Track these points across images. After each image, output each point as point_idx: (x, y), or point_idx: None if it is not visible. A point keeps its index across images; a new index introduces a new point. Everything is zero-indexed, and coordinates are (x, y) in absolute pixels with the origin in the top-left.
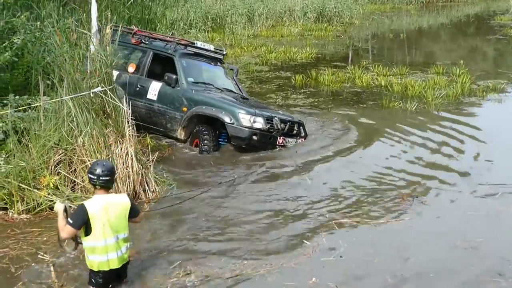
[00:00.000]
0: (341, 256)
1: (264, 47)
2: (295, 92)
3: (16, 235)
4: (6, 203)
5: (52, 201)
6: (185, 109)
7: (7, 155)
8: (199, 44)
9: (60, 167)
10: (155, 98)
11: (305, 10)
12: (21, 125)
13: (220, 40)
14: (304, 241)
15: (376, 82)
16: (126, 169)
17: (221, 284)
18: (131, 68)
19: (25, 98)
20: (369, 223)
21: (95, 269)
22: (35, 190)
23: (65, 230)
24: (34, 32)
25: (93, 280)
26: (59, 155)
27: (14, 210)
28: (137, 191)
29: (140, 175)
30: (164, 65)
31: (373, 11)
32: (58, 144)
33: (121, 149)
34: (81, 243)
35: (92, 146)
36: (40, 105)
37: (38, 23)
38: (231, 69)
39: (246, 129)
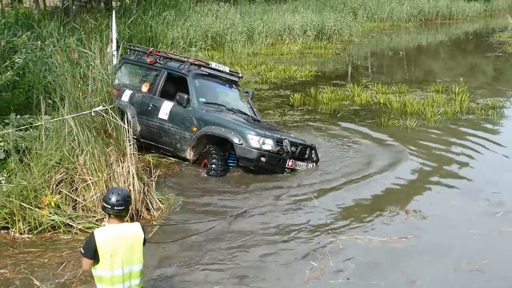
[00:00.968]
0: (348, 279)
1: (263, 65)
2: (292, 109)
3: (16, 255)
4: (7, 222)
5: (54, 220)
6: (194, 129)
7: (8, 174)
8: (213, 65)
9: (62, 186)
10: (166, 117)
11: (304, 28)
12: (23, 144)
13: (220, 58)
14: (312, 262)
15: (375, 99)
16: (128, 187)
17: None
18: (144, 88)
19: (27, 117)
20: (374, 241)
21: None
22: (37, 209)
23: (82, 260)
24: (35, 51)
25: None
26: (61, 174)
27: (15, 229)
28: (139, 209)
29: (142, 193)
30: (178, 85)
31: (372, 28)
32: (59, 163)
33: (123, 167)
34: None
35: (94, 165)
36: (42, 124)
37: (39, 42)
38: (246, 92)
39: (255, 150)
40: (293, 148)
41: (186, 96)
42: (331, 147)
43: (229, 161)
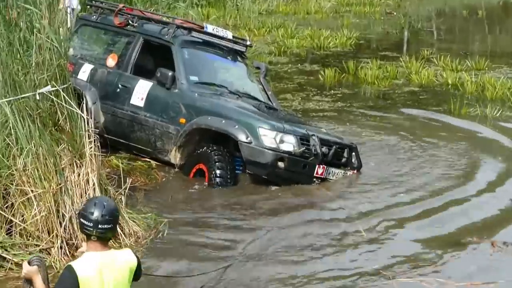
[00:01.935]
0: None
1: (282, 29)
2: (321, 93)
3: None
4: None
5: None
6: (183, 120)
7: None
8: (210, 28)
9: None
10: (141, 103)
11: None
12: None
13: (219, 18)
14: None
15: (441, 79)
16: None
17: None
18: (111, 61)
19: None
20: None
21: None
22: None
23: None
24: None
25: None
26: None
27: None
28: None
29: None
30: (159, 58)
31: None
32: None
33: (79, 174)
34: None
35: (38, 171)
36: None
37: None
38: (257, 68)
39: (269, 151)
40: (324, 149)
41: (170, 73)
42: (379, 147)
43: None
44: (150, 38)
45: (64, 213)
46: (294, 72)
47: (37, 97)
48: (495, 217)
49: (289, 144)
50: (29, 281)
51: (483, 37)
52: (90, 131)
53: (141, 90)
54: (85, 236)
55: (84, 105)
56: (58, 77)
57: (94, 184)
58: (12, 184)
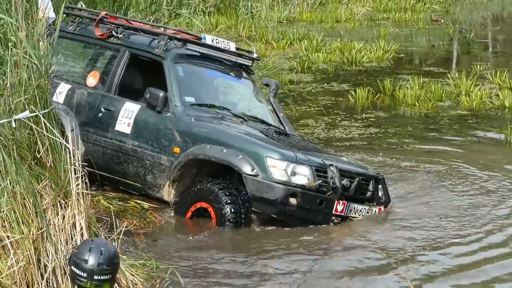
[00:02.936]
0: None
1: (306, 41)
2: (350, 117)
3: None
4: None
5: None
6: (177, 150)
7: None
8: (208, 39)
9: None
10: (128, 130)
11: None
12: None
13: (230, 28)
14: None
15: (497, 100)
16: (72, 251)
17: None
18: (92, 80)
19: None
20: None
21: None
22: None
23: None
24: None
25: None
26: None
27: None
28: None
29: None
30: (148, 76)
31: None
32: None
33: (64, 217)
34: None
35: (15, 213)
36: None
37: None
38: (266, 85)
39: (279, 185)
40: (345, 181)
41: (161, 94)
42: (418, 181)
43: None
44: (137, 52)
45: (47, 263)
46: (319, 93)
47: (13, 125)
48: None
49: (303, 176)
50: None
51: None
52: (77, 165)
53: (128, 114)
54: None
55: (69, 134)
56: (38, 101)
57: (82, 228)
58: None
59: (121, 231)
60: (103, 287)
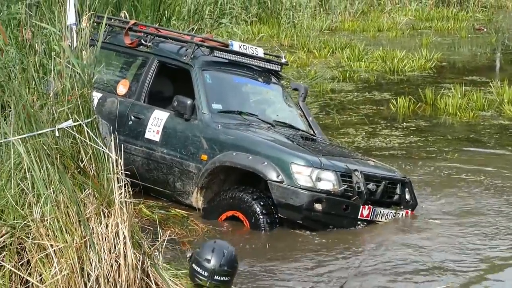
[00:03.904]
0: None
1: (347, 49)
2: (391, 126)
3: None
4: None
5: None
6: (204, 157)
7: None
8: (236, 46)
9: (3, 256)
10: (157, 138)
11: None
12: None
13: (272, 37)
14: None
15: None
16: (116, 260)
17: None
18: (122, 88)
19: None
20: None
21: None
22: None
23: None
24: None
25: None
26: (2, 236)
27: None
28: None
29: (140, 270)
30: (177, 84)
31: None
32: (0, 218)
33: (107, 225)
34: None
35: (58, 221)
36: None
37: None
38: (296, 89)
39: (304, 191)
40: (371, 185)
41: (189, 102)
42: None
43: None
44: (166, 60)
45: (90, 272)
46: (360, 102)
47: (57, 134)
48: None
49: (328, 182)
50: None
51: None
52: (120, 173)
53: (157, 122)
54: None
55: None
56: (81, 110)
57: (125, 237)
58: (28, 237)
59: (164, 239)
60: None
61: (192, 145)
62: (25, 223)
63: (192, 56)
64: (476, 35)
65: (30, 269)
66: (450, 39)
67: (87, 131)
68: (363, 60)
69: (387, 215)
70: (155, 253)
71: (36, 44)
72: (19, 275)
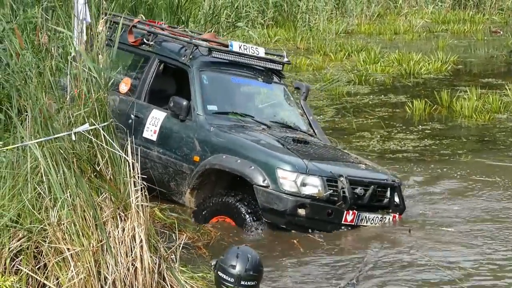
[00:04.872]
0: None
1: (363, 52)
2: (406, 129)
3: None
4: None
5: None
6: (196, 158)
7: None
8: (236, 46)
9: (20, 260)
10: (154, 137)
11: None
12: None
13: (288, 41)
14: None
15: None
16: (133, 264)
17: None
18: (124, 86)
19: None
20: None
21: None
22: None
23: None
24: None
25: None
26: (19, 240)
27: None
28: None
29: (156, 274)
30: (177, 83)
31: None
32: (17, 222)
33: (124, 229)
34: None
35: (75, 225)
36: None
37: None
38: (297, 88)
39: (288, 196)
40: (359, 190)
41: (185, 103)
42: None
43: None
44: (166, 60)
45: (106, 275)
46: (376, 104)
47: (73, 138)
48: None
49: (313, 187)
50: None
51: None
52: (136, 177)
53: (154, 121)
54: None
55: (129, 147)
56: (97, 114)
57: (141, 241)
58: (45, 241)
59: (180, 243)
60: None
61: (186, 146)
62: (41, 227)
63: (190, 56)
64: (492, 37)
65: (47, 273)
66: (467, 42)
67: (103, 134)
68: (379, 63)
69: (373, 219)
70: (171, 256)
71: (52, 48)
72: (36, 279)
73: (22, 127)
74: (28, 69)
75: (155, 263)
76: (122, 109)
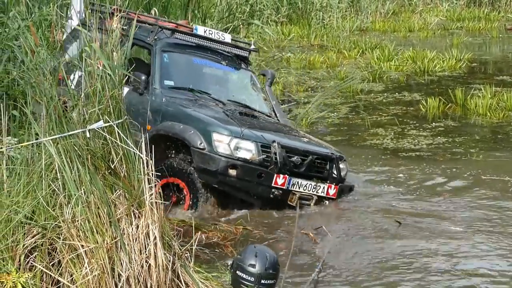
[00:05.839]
0: None
1: (378, 50)
2: (420, 126)
3: None
4: None
5: None
6: (149, 127)
7: None
8: (201, 30)
9: (35, 257)
10: None
11: None
12: None
13: (302, 38)
14: None
15: None
16: (146, 261)
17: None
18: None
19: None
20: None
21: None
22: None
23: None
24: None
25: None
26: (34, 237)
27: None
28: None
29: (170, 271)
30: (147, 64)
31: None
32: (31, 219)
33: (138, 226)
34: None
35: (89, 222)
36: (2, 152)
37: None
38: (263, 74)
39: (220, 157)
40: (295, 158)
41: (143, 77)
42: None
43: None
44: (136, 42)
45: (120, 272)
46: (390, 102)
47: (88, 135)
48: None
49: (247, 151)
50: None
51: None
52: (151, 174)
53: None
54: None
55: (143, 144)
56: (111, 111)
57: (155, 238)
58: (59, 238)
59: (195, 241)
60: None
61: (141, 117)
62: (56, 224)
63: (155, 37)
64: (507, 35)
65: (61, 270)
66: (481, 39)
67: (117, 132)
68: (393, 61)
69: (306, 186)
70: (185, 254)
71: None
72: (50, 275)
73: (37, 124)
74: (43, 66)
75: (169, 261)
76: None
